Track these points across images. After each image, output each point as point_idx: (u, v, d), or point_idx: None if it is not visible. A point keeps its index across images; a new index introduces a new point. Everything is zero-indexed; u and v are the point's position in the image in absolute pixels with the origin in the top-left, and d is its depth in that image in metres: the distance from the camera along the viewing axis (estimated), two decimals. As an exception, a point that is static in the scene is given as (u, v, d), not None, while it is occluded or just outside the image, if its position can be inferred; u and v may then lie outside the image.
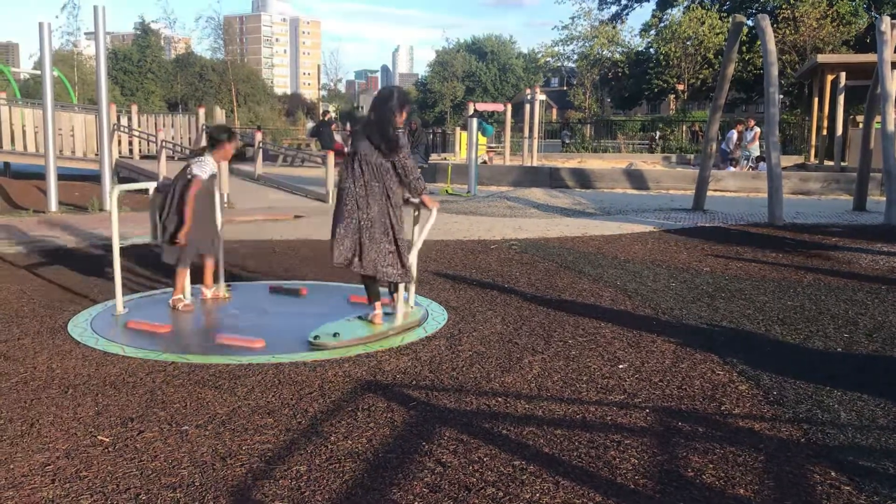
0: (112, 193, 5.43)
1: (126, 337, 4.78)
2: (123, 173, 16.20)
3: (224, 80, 54.77)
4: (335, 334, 4.67)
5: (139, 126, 22.01)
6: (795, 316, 5.48)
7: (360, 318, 5.05)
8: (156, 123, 22.07)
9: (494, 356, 4.46)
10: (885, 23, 10.85)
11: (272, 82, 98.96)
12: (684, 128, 35.25)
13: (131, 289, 6.16)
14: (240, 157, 24.90)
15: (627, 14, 46.50)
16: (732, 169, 20.40)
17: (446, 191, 15.48)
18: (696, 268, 7.33)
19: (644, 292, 6.22)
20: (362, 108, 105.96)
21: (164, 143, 15.17)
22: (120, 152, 19.15)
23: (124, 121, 20.85)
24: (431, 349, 4.59)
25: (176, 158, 20.96)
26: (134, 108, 22.30)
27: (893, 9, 34.75)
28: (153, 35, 65.62)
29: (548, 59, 46.99)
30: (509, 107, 25.75)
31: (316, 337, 4.64)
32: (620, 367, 4.30)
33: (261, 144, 18.18)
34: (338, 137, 23.09)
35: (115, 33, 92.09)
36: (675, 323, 5.27)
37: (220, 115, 24.14)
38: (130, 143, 21.31)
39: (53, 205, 11.50)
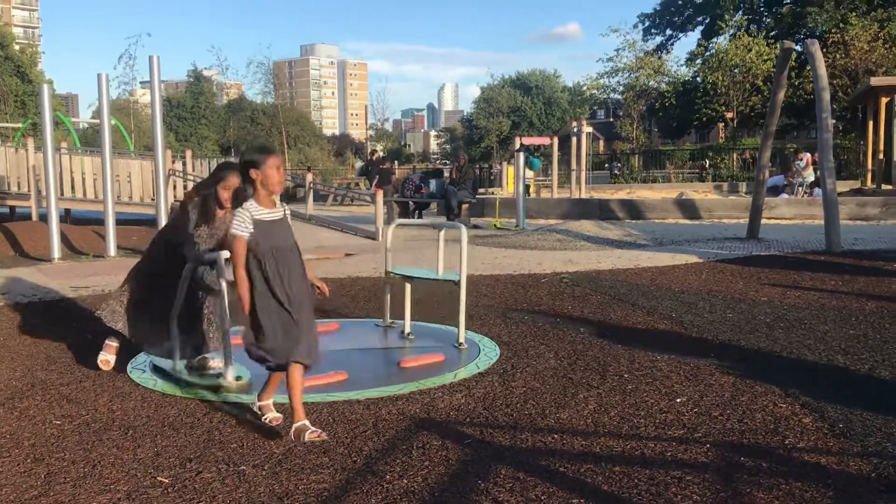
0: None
1: (183, 379, 4.85)
2: (179, 217, 16.55)
3: (275, 123, 55.98)
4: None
5: (193, 170, 22.55)
6: (859, 345, 5.32)
7: None
8: (209, 168, 22.62)
9: (549, 392, 4.41)
10: (941, 43, 10.62)
11: (321, 124, 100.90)
12: (735, 155, 34.78)
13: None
14: (291, 197, 25.35)
15: (672, 44, 46.41)
16: (786, 196, 20.05)
17: (495, 225, 15.49)
18: (753, 297, 7.17)
19: (700, 324, 6.10)
20: (409, 145, 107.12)
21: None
22: (175, 196, 19.62)
23: (179, 166, 21.41)
24: (485, 385, 4.56)
25: (229, 201, 21.37)
26: (188, 153, 22.88)
27: (948, 28, 34.02)
28: (206, 82, 67.52)
29: (593, 91, 46.95)
30: (556, 140, 25.79)
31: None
32: (678, 401, 4.21)
33: (311, 185, 18.47)
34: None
35: (170, 81, 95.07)
36: (734, 355, 5.15)
37: (271, 158, 24.61)
38: (185, 188, 21.82)
39: (112, 249, 11.81)
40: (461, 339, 5.46)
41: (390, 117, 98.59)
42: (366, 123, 73.94)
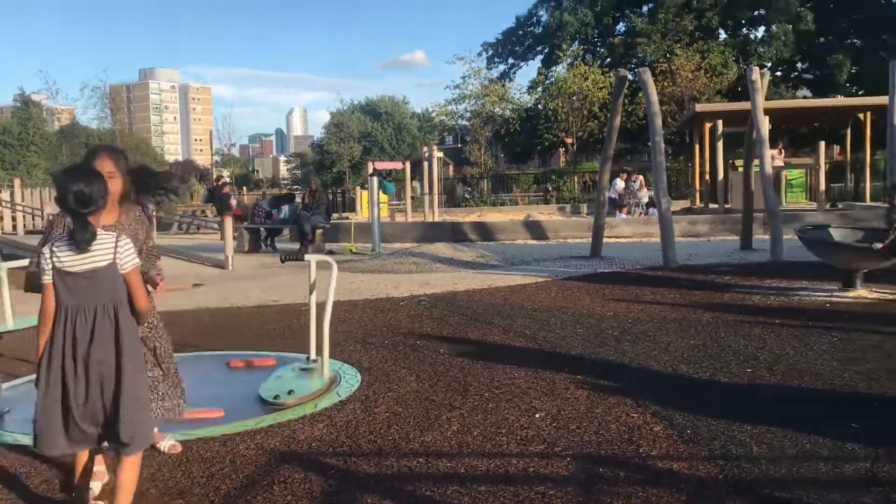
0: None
1: (17, 425, 4.46)
2: (6, 250, 15.38)
3: (112, 149, 53.21)
4: (290, 391, 4.75)
5: (23, 200, 21.05)
6: (699, 354, 5.65)
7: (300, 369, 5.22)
8: (41, 197, 21.19)
9: (412, 415, 4.39)
10: (756, 73, 11.59)
11: (163, 150, 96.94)
12: (576, 178, 36.40)
13: (14, 375, 5.78)
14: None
15: (515, 72, 48.02)
16: (623, 216, 21.18)
17: (350, 250, 15.39)
18: (600, 313, 7.48)
19: (553, 339, 6.29)
20: (258, 171, 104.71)
21: (50, 217, 14.50)
22: (2, 229, 18.22)
23: (6, 195, 19.94)
24: (347, 413, 4.48)
25: (63, 232, 20.12)
26: (17, 182, 21.37)
27: (759, 60, 37.28)
28: (34, 107, 63.40)
29: (442, 117, 47.85)
30: (408, 164, 26.03)
31: (276, 396, 4.69)
32: (537, 416, 4.30)
33: (153, 212, 17.67)
34: (234, 202, 22.69)
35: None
36: (586, 368, 5.34)
37: (109, 185, 23.42)
38: (14, 219, 20.35)
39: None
40: None
41: (237, 142, 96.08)
42: (211, 149, 71.65)
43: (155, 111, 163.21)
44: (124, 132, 57.89)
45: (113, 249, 2.99)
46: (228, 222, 14.09)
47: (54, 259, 2.96)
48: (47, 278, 2.96)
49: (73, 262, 2.94)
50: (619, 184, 23.37)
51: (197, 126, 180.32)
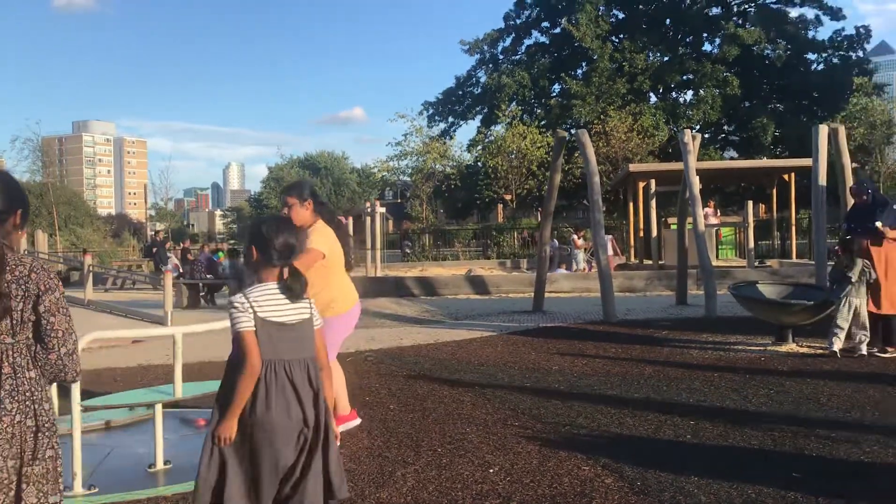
0: None
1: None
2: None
3: (44, 202, 51.99)
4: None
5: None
6: (644, 407, 5.80)
7: None
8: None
9: (366, 472, 4.40)
10: (688, 135, 12.11)
11: (95, 203, 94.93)
12: (515, 234, 36.93)
13: None
14: (65, 280, 23.51)
15: (455, 130, 48.83)
16: (562, 271, 21.56)
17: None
18: (546, 367, 7.60)
19: (501, 394, 6.37)
20: (193, 225, 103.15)
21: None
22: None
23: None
24: (300, 470, 4.45)
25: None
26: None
27: (688, 122, 38.79)
28: (-39, 159, 61.65)
29: (383, 173, 48.22)
30: (350, 220, 26.08)
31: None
32: (491, 471, 4.35)
33: (90, 268, 17.26)
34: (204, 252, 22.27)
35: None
36: (536, 422, 5.42)
37: (42, 239, 22.86)
38: None
39: None
40: None
41: (173, 196, 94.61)
42: (145, 203, 70.39)
43: (88, 164, 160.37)
44: (56, 185, 56.57)
45: (309, 302, 2.97)
46: (168, 277, 13.87)
47: (256, 308, 2.82)
48: (248, 327, 2.81)
49: (278, 312, 2.86)
50: (578, 242, 23.78)
51: (131, 179, 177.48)
